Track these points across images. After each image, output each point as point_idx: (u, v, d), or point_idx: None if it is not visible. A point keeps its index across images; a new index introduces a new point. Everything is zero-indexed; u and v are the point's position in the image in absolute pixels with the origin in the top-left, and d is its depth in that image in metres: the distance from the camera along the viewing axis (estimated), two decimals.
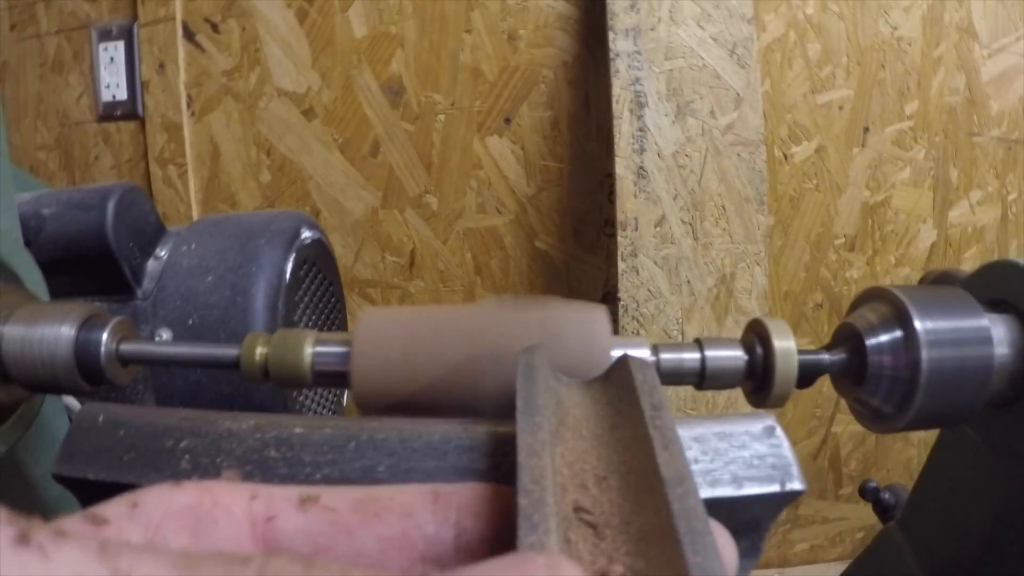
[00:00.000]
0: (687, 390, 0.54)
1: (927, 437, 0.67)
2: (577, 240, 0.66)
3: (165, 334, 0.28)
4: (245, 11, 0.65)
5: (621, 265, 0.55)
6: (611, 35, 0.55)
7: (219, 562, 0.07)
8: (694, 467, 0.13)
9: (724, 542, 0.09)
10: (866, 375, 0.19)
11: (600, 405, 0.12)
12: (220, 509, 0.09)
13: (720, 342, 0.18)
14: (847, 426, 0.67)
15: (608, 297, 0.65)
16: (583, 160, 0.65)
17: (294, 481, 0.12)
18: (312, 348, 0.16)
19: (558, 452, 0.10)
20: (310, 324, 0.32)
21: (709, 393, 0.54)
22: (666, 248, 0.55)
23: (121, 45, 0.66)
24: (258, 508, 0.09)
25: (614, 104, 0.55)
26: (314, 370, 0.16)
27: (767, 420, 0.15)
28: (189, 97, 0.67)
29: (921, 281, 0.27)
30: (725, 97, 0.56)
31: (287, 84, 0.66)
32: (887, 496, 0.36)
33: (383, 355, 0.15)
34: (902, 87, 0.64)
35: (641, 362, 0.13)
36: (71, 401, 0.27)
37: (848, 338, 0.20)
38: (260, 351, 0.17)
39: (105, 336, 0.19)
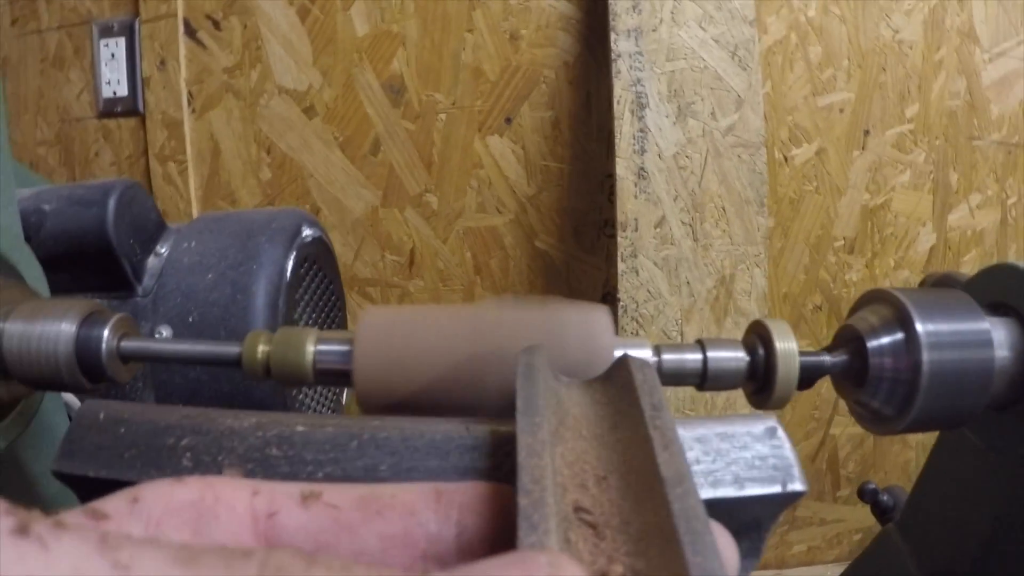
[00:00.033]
0: (686, 390, 0.54)
1: (925, 439, 0.67)
2: (577, 240, 0.66)
3: (165, 331, 0.28)
4: (247, 8, 0.65)
5: (621, 266, 0.55)
6: (613, 36, 0.56)
7: (220, 555, 0.07)
8: (696, 467, 0.13)
9: (724, 543, 0.09)
10: (867, 377, 0.19)
11: (600, 405, 0.12)
12: (222, 505, 0.09)
13: (722, 343, 0.18)
14: (845, 428, 0.67)
15: (608, 297, 0.65)
16: (584, 160, 0.65)
17: (296, 480, 0.12)
18: (314, 346, 0.16)
19: (558, 452, 0.10)
20: (310, 322, 0.32)
21: (708, 394, 0.54)
22: (666, 249, 0.55)
23: (122, 41, 0.66)
24: (260, 504, 0.09)
25: (615, 105, 0.55)
26: (316, 368, 0.16)
27: (769, 421, 0.15)
28: (190, 94, 0.67)
29: (922, 284, 0.27)
30: (726, 99, 0.56)
31: (288, 82, 0.66)
32: (886, 498, 0.36)
33: (385, 354, 0.15)
34: (903, 90, 0.64)
35: (641, 362, 0.13)
36: (70, 398, 0.27)
37: (849, 340, 0.20)
38: (262, 349, 0.17)
39: (106, 333, 0.19)
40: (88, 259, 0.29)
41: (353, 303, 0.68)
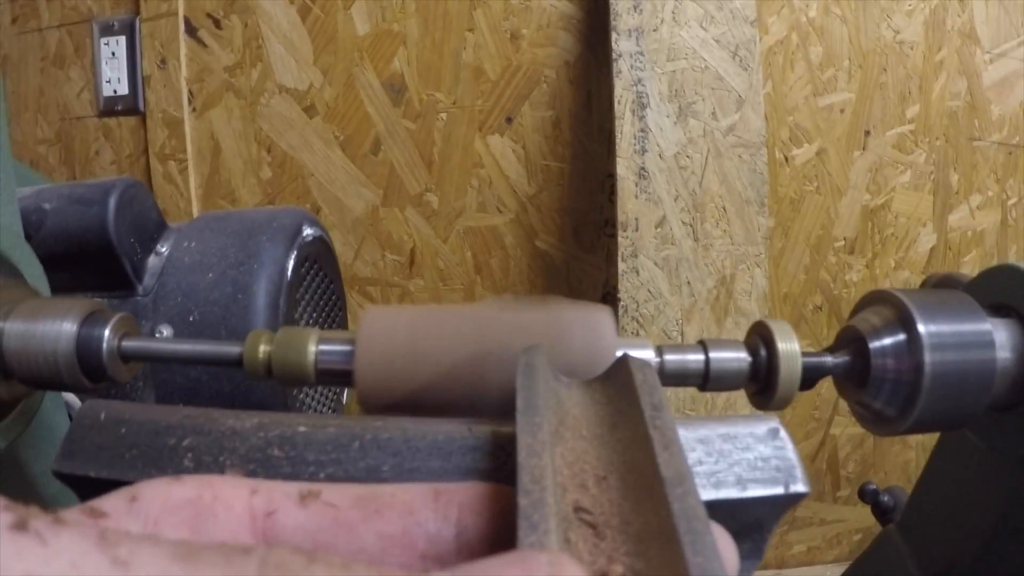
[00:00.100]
0: (686, 390, 0.54)
1: (925, 440, 0.67)
2: (577, 240, 0.66)
3: (166, 330, 0.28)
4: (247, 7, 0.65)
5: (621, 265, 0.55)
6: (614, 35, 0.55)
7: (220, 552, 0.07)
8: (699, 468, 0.13)
9: (724, 543, 0.09)
10: (869, 378, 0.19)
11: (600, 405, 0.12)
12: (220, 503, 0.09)
13: (724, 344, 0.18)
14: (845, 428, 0.67)
15: (608, 297, 0.65)
16: (584, 160, 0.65)
17: (298, 480, 0.12)
18: (315, 346, 0.16)
19: (558, 452, 0.10)
20: (311, 322, 0.32)
21: (708, 394, 0.54)
22: (666, 249, 0.55)
23: (123, 40, 0.66)
24: (258, 503, 0.09)
25: (616, 104, 0.55)
26: (318, 368, 0.16)
27: (771, 422, 0.15)
28: (190, 93, 0.67)
29: (923, 285, 0.27)
30: (727, 99, 0.56)
31: (289, 81, 0.66)
32: (886, 499, 0.36)
33: (387, 354, 0.15)
34: (903, 91, 0.64)
35: (641, 362, 0.13)
36: (71, 398, 0.27)
37: (851, 341, 0.20)
38: (263, 349, 0.17)
39: (107, 332, 0.19)
40: (89, 258, 0.29)
41: (353, 302, 0.68)
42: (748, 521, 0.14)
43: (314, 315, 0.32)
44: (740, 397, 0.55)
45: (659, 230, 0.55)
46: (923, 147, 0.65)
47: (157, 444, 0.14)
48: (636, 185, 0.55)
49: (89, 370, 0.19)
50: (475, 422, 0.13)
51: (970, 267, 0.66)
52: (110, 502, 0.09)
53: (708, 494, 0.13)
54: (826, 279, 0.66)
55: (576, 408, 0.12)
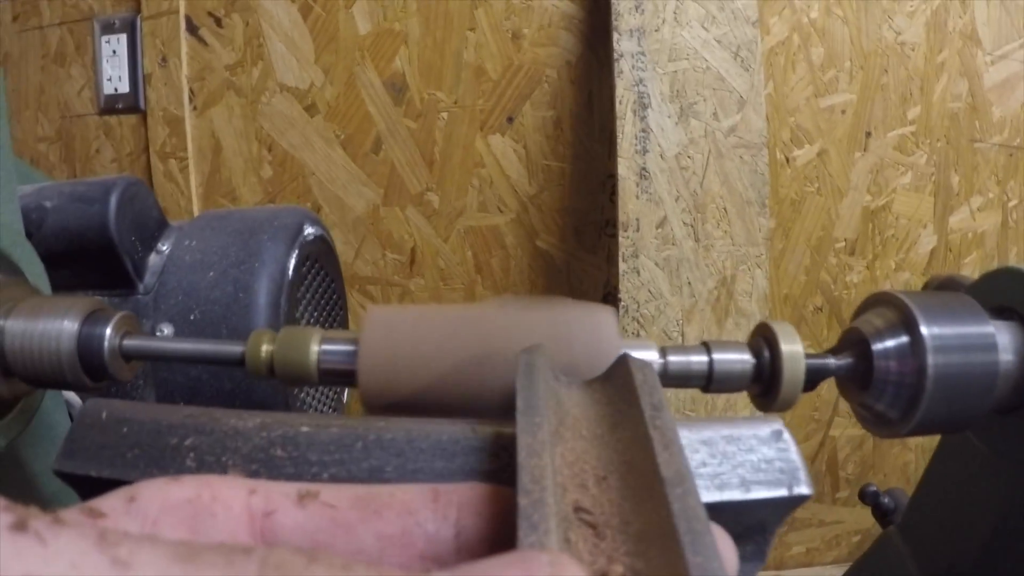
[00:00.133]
0: (686, 392, 0.54)
1: (924, 442, 0.67)
2: (578, 240, 0.66)
3: (167, 329, 0.28)
4: (249, 6, 0.65)
5: (622, 266, 0.55)
6: (615, 36, 0.55)
7: (220, 552, 0.07)
8: (702, 470, 0.13)
9: (724, 544, 0.09)
10: (872, 380, 0.19)
11: (600, 405, 0.12)
12: (218, 503, 0.09)
13: (727, 345, 0.18)
14: (845, 430, 0.68)
15: (608, 298, 0.65)
16: (585, 160, 0.65)
17: (300, 481, 0.12)
18: (318, 346, 0.16)
19: (558, 452, 0.10)
20: (312, 321, 0.32)
21: (708, 395, 0.54)
22: (667, 249, 0.55)
23: (124, 38, 0.65)
24: (257, 503, 0.09)
25: (617, 105, 0.55)
26: (320, 368, 0.16)
27: (774, 424, 0.15)
28: (191, 91, 0.67)
29: (925, 287, 0.27)
30: (728, 99, 0.56)
31: (290, 79, 0.66)
32: (887, 500, 0.36)
33: (390, 354, 0.15)
34: (905, 92, 0.64)
35: (641, 362, 0.13)
36: (71, 396, 0.27)
37: (854, 343, 0.20)
38: (265, 348, 0.16)
39: (109, 331, 0.19)
40: (89, 256, 0.29)
41: (354, 302, 0.68)
42: (752, 523, 0.14)
43: (315, 314, 0.32)
44: (740, 398, 0.55)
45: (660, 230, 0.55)
46: (924, 148, 0.65)
47: (159, 444, 0.14)
48: (637, 185, 0.55)
49: (90, 369, 0.19)
50: (479, 423, 0.13)
51: (970, 269, 0.66)
52: (109, 502, 0.09)
53: (712, 496, 0.13)
54: (826, 280, 0.66)
55: (576, 408, 0.12)
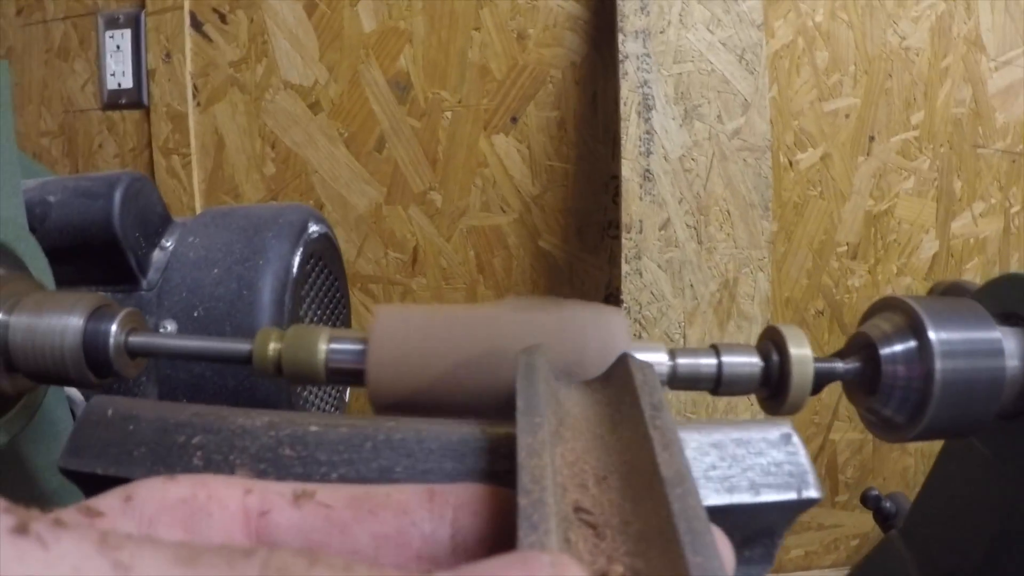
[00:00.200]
0: (687, 393, 0.54)
1: (924, 446, 0.67)
2: (580, 241, 0.66)
3: (170, 326, 0.28)
4: (254, 2, 0.65)
5: (625, 267, 0.55)
6: (620, 37, 0.55)
7: (221, 555, 0.07)
8: (712, 473, 0.13)
9: (722, 546, 0.09)
10: (879, 384, 0.19)
11: (600, 405, 0.12)
12: (214, 503, 0.09)
13: (736, 348, 0.17)
14: (845, 434, 0.68)
15: (610, 299, 0.65)
16: (589, 161, 0.65)
17: (310, 481, 0.12)
18: (327, 345, 0.16)
19: (558, 452, 0.10)
20: (315, 319, 0.32)
21: (709, 397, 0.54)
22: (670, 251, 0.55)
23: (128, 33, 0.65)
24: (252, 502, 0.09)
25: (622, 106, 0.55)
26: (328, 367, 0.16)
27: (784, 427, 0.14)
28: (195, 87, 0.66)
29: (931, 292, 0.27)
30: (733, 102, 0.56)
31: (294, 77, 0.66)
32: (888, 505, 0.36)
33: (400, 354, 0.15)
34: (908, 97, 0.64)
35: (641, 362, 0.13)
36: (73, 392, 0.27)
37: (862, 347, 0.20)
38: (273, 347, 0.16)
39: (114, 328, 0.19)
40: (93, 251, 0.29)
41: (355, 300, 0.68)
42: (760, 526, 0.14)
43: (318, 312, 0.32)
44: (741, 401, 0.55)
45: (663, 232, 0.55)
46: (927, 153, 0.65)
47: (166, 442, 0.14)
48: (640, 187, 0.55)
49: (95, 365, 0.19)
50: (489, 423, 0.13)
51: (972, 274, 0.66)
52: (106, 501, 0.09)
53: (722, 498, 0.13)
54: (828, 284, 0.66)
55: (576, 408, 0.12)
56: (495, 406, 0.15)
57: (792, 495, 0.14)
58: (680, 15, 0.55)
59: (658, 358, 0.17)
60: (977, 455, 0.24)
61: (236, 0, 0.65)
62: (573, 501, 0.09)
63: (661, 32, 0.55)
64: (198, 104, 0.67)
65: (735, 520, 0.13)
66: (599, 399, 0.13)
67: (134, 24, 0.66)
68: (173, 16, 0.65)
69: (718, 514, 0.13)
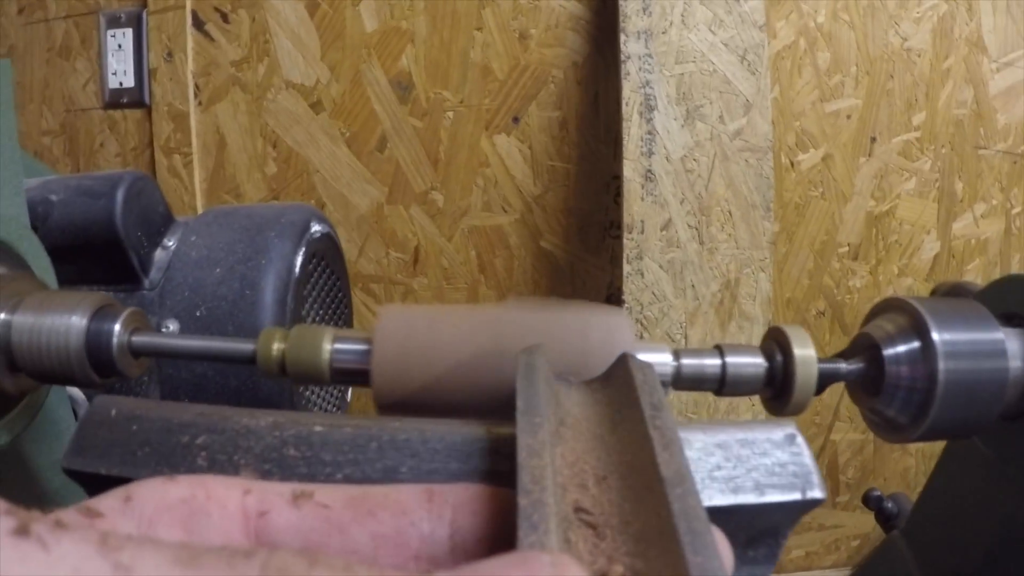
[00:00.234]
0: (688, 393, 0.54)
1: (925, 447, 0.67)
2: (582, 241, 0.66)
3: (172, 325, 0.28)
4: (256, 2, 0.65)
5: (626, 268, 0.55)
6: (622, 37, 0.55)
7: (222, 556, 0.07)
8: (717, 473, 0.13)
9: (721, 546, 0.09)
10: (883, 385, 0.19)
11: (600, 405, 0.12)
12: (213, 503, 0.09)
13: (740, 349, 0.17)
14: (845, 434, 0.68)
15: (612, 299, 0.65)
16: (590, 161, 0.65)
17: (314, 481, 0.12)
18: (331, 345, 0.16)
19: (558, 452, 0.10)
20: (317, 319, 0.32)
21: (711, 398, 0.54)
22: (671, 252, 0.55)
23: (129, 32, 0.65)
24: (251, 503, 0.09)
25: (623, 106, 0.55)
26: (332, 367, 0.16)
27: (788, 428, 0.14)
28: (197, 86, 0.66)
29: (933, 293, 0.27)
30: (735, 103, 0.56)
31: (296, 76, 0.66)
32: (890, 505, 0.36)
33: (405, 354, 0.15)
34: (910, 98, 0.64)
35: (641, 362, 0.13)
36: (74, 392, 0.27)
37: (866, 348, 0.20)
38: (277, 347, 0.16)
39: (117, 327, 0.19)
40: (95, 251, 0.29)
41: (357, 300, 0.68)
42: (765, 526, 0.14)
43: (320, 312, 0.32)
44: (743, 402, 0.55)
45: (664, 233, 0.55)
46: (928, 155, 0.65)
47: (170, 442, 0.14)
48: (642, 187, 0.55)
49: (99, 365, 0.19)
50: (494, 423, 0.13)
51: (973, 275, 0.66)
52: (106, 502, 0.09)
53: (727, 499, 0.13)
54: (829, 285, 0.66)
55: (576, 408, 0.12)
56: (499, 406, 0.15)
57: (797, 495, 0.14)
58: (682, 15, 0.55)
59: (662, 358, 0.17)
60: (979, 456, 0.24)
61: (238, 0, 0.65)
62: (573, 501, 0.09)
63: (663, 32, 0.55)
64: (200, 103, 0.67)
65: (740, 520, 0.13)
66: (599, 399, 0.13)
67: (136, 23, 0.66)
68: (175, 15, 0.65)
69: (723, 514, 0.13)
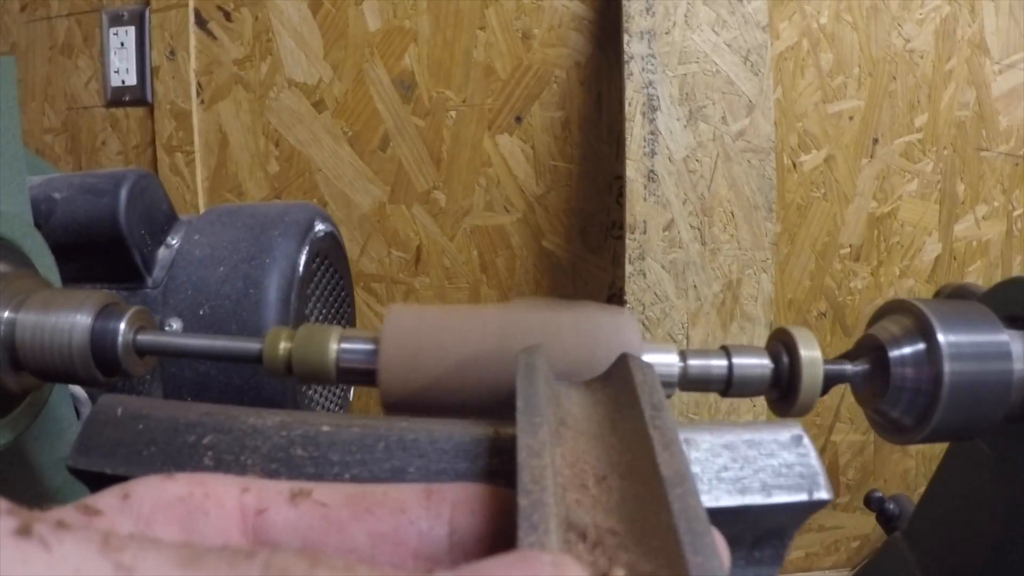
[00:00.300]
0: (689, 394, 0.54)
1: (925, 449, 0.67)
2: (584, 241, 0.66)
3: (176, 324, 0.28)
4: (258, 0, 0.65)
5: (628, 268, 0.55)
6: (625, 37, 0.55)
7: (223, 556, 0.07)
8: (724, 474, 0.13)
9: (719, 547, 0.09)
10: (888, 387, 0.19)
11: (600, 405, 0.12)
12: (211, 501, 0.09)
13: (746, 350, 0.17)
14: (846, 435, 0.68)
15: (613, 299, 0.65)
16: (593, 161, 0.65)
17: (322, 482, 0.12)
18: (337, 344, 0.16)
19: (558, 452, 0.10)
20: (320, 318, 0.32)
21: (712, 398, 0.54)
22: (674, 252, 0.55)
23: (132, 30, 0.65)
24: (249, 501, 0.09)
25: (626, 106, 0.55)
26: (339, 367, 0.16)
27: (794, 429, 0.14)
28: (199, 85, 0.66)
29: (937, 294, 0.27)
30: (737, 103, 0.56)
31: (298, 75, 0.66)
32: (891, 506, 0.36)
33: (412, 354, 0.15)
34: (912, 100, 0.64)
35: (641, 362, 0.13)
36: (76, 390, 0.27)
37: (871, 349, 0.20)
38: (283, 346, 0.16)
39: (122, 326, 0.19)
40: (98, 249, 0.29)
41: (358, 299, 0.68)
42: (771, 527, 0.14)
43: (324, 311, 0.32)
44: (743, 402, 0.55)
45: (667, 233, 0.55)
46: (930, 156, 0.65)
47: (176, 441, 0.14)
48: (645, 188, 0.55)
49: (103, 364, 0.19)
50: (501, 424, 0.13)
51: (974, 277, 0.66)
52: (104, 499, 0.09)
53: (734, 500, 0.13)
54: (831, 286, 0.66)
55: (576, 408, 0.12)
56: (506, 407, 0.15)
57: (803, 496, 0.14)
58: (685, 16, 0.55)
59: (669, 359, 0.17)
60: (982, 457, 0.24)
61: None
62: (573, 501, 0.09)
63: (666, 33, 0.55)
64: (202, 102, 0.67)
65: (747, 521, 0.13)
66: (599, 399, 0.13)
67: (138, 21, 0.65)
68: (177, 13, 0.65)
69: (730, 515, 0.13)
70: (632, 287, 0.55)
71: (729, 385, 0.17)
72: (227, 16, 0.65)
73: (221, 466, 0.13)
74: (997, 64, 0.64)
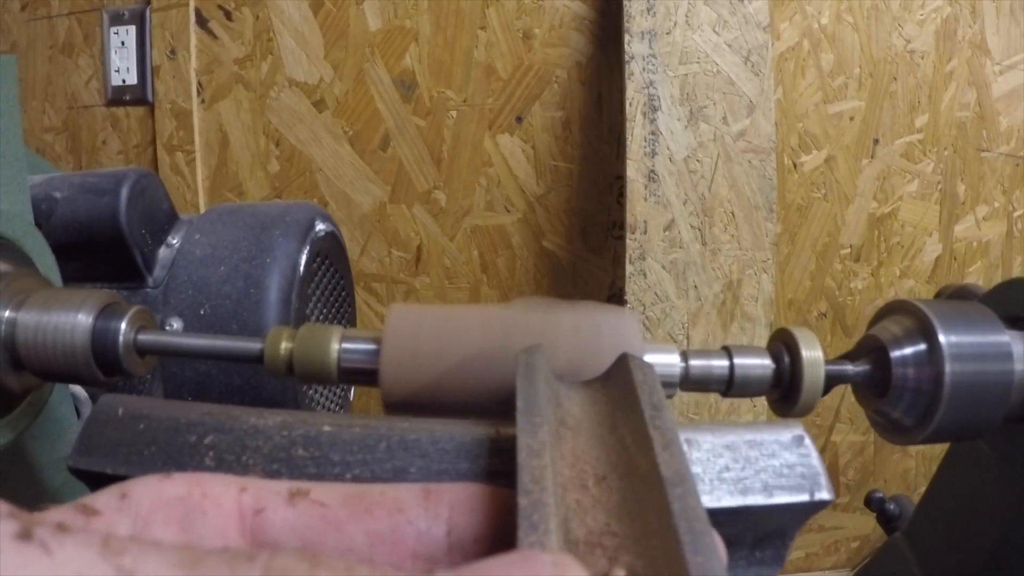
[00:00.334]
0: (690, 394, 0.54)
1: (925, 449, 0.67)
2: (584, 241, 0.66)
3: (176, 323, 0.28)
4: (259, 0, 0.65)
5: (629, 268, 0.55)
6: (626, 37, 0.55)
7: (223, 558, 0.07)
8: (726, 475, 0.13)
9: (718, 547, 0.09)
10: (889, 387, 0.19)
11: (600, 405, 0.12)
12: (209, 501, 0.09)
13: (748, 350, 0.17)
14: (846, 436, 0.68)
15: (614, 299, 0.65)
16: (593, 161, 0.65)
17: (324, 482, 0.12)
18: (339, 344, 0.16)
19: (558, 452, 0.11)
20: (321, 317, 0.32)
21: (712, 398, 0.54)
22: (674, 252, 0.55)
23: (132, 29, 0.65)
24: (247, 500, 0.09)
25: (627, 107, 0.55)
26: (340, 367, 0.16)
27: (796, 429, 0.14)
28: (199, 84, 0.66)
29: (938, 295, 0.27)
30: (738, 104, 0.56)
31: (299, 75, 0.66)
32: (892, 507, 0.36)
33: (414, 354, 0.15)
34: (913, 100, 0.64)
35: (641, 362, 0.13)
36: (76, 390, 0.27)
37: (872, 349, 0.20)
38: (285, 346, 0.16)
39: (123, 326, 0.18)
40: (99, 248, 0.29)
41: (359, 299, 0.68)
42: (772, 527, 0.14)
43: (324, 311, 0.32)
44: (743, 402, 0.55)
45: (667, 233, 0.55)
46: (931, 157, 0.65)
47: (177, 441, 0.14)
48: (645, 188, 0.55)
49: (104, 363, 0.19)
50: (503, 424, 0.13)
51: (975, 277, 0.66)
52: (102, 499, 0.09)
53: (735, 500, 0.13)
54: (831, 286, 0.66)
55: (576, 408, 0.12)
56: (508, 407, 0.15)
57: (805, 497, 0.14)
58: (686, 16, 0.55)
59: (671, 359, 0.17)
60: (982, 458, 0.24)
61: None
62: (573, 501, 0.09)
63: (667, 33, 0.55)
64: (202, 101, 0.67)
65: (748, 521, 0.13)
66: (599, 399, 0.13)
67: (139, 20, 0.65)
68: (178, 13, 0.65)
69: (732, 515, 0.13)
70: (632, 287, 0.55)
71: (730, 385, 0.17)
72: (228, 15, 0.65)
73: (222, 466, 0.13)
74: (998, 65, 0.64)
